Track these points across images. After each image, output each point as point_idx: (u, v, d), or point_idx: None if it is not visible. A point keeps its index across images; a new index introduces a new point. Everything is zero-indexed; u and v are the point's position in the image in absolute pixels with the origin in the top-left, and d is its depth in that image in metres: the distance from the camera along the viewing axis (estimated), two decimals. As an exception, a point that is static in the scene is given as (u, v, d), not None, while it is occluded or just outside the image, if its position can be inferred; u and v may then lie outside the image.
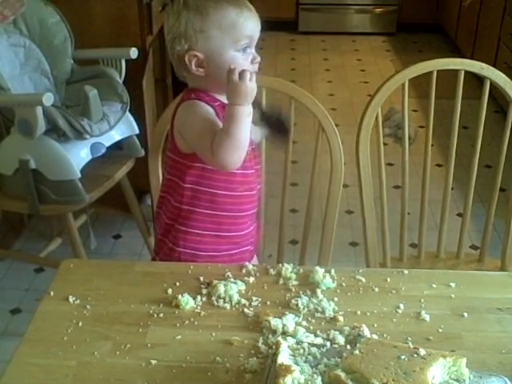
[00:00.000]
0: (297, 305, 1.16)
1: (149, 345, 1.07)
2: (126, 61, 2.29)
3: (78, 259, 2.08)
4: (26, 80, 2.21)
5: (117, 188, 2.31)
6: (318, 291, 1.20)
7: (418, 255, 1.78)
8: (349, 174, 1.77)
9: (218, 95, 1.35)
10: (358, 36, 5.47)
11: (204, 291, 1.20)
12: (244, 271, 1.27)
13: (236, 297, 1.18)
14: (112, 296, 1.19)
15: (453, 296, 1.20)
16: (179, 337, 1.09)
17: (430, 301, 1.19)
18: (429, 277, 1.26)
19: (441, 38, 5.33)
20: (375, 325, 1.12)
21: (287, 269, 1.26)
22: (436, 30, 5.40)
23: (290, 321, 1.11)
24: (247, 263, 1.30)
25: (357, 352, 0.95)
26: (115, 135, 2.22)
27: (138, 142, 2.33)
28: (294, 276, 1.25)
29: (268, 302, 1.18)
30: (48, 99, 1.92)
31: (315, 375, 0.94)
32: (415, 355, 0.94)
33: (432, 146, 1.71)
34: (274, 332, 1.09)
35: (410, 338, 1.09)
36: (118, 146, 2.27)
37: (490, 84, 1.62)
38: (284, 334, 1.08)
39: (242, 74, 1.25)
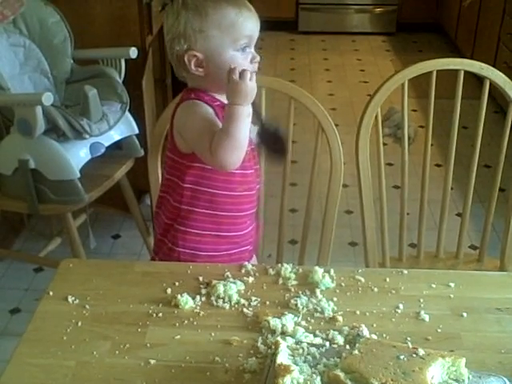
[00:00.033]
0: (296, 305, 1.16)
1: (148, 345, 1.07)
2: (126, 61, 2.29)
3: (78, 259, 2.08)
4: (25, 80, 2.21)
5: (116, 188, 2.31)
6: (318, 291, 1.20)
7: (418, 255, 1.78)
8: (348, 174, 1.77)
9: (217, 95, 1.35)
10: (358, 36, 5.47)
11: (203, 291, 1.20)
12: (243, 271, 1.27)
13: (235, 297, 1.18)
14: (111, 296, 1.19)
15: (452, 296, 1.20)
16: (178, 337, 1.09)
17: (430, 301, 1.19)
18: (428, 277, 1.26)
19: (440, 37, 5.33)
20: (374, 325, 1.12)
21: (286, 269, 1.26)
22: (436, 30, 5.40)
23: (289, 321, 1.11)
24: (246, 263, 1.30)
25: (356, 352, 0.95)
26: (115, 135, 2.22)
27: (137, 142, 2.33)
28: (293, 276, 1.25)
29: (267, 302, 1.18)
30: (47, 99, 1.92)
31: (314, 375, 0.94)
32: (414, 355, 0.94)
33: (431, 145, 1.71)
34: (273, 332, 1.09)
35: (409, 338, 1.09)
36: (117, 145, 2.27)
37: (490, 84, 1.62)
38: (283, 333, 1.08)
39: (242, 73, 1.25)
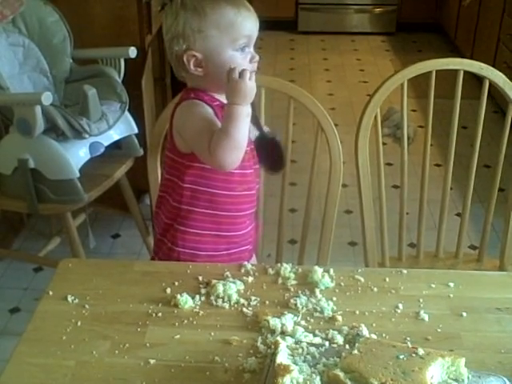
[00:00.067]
0: (295, 304, 1.16)
1: (147, 344, 1.07)
2: (125, 60, 2.28)
3: (77, 259, 2.08)
4: (24, 79, 2.21)
5: (116, 187, 2.31)
6: (317, 291, 1.20)
7: (417, 255, 1.78)
8: (348, 174, 1.77)
9: (217, 95, 1.35)
10: (358, 36, 5.47)
11: (203, 291, 1.20)
12: (243, 271, 1.27)
13: (235, 296, 1.18)
14: (111, 295, 1.19)
15: (452, 296, 1.20)
16: (178, 336, 1.09)
17: (429, 300, 1.19)
18: (428, 276, 1.26)
19: (440, 37, 5.34)
20: (374, 324, 1.12)
21: (286, 268, 1.26)
22: (435, 30, 5.40)
23: (288, 320, 1.11)
24: (246, 263, 1.30)
25: (355, 352, 0.95)
26: (114, 135, 2.22)
27: (136, 142, 2.32)
28: (292, 276, 1.25)
29: (267, 302, 1.18)
30: (47, 98, 1.92)
31: (314, 375, 0.94)
32: (414, 355, 0.94)
33: (431, 145, 1.71)
34: (273, 332, 1.09)
35: (408, 338, 1.09)
36: (116, 145, 2.27)
37: (489, 84, 1.62)
38: (283, 333, 1.08)
39: (241, 73, 1.25)
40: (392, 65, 4.82)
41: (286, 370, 0.92)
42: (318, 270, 1.24)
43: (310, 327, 1.11)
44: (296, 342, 1.03)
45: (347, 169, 1.67)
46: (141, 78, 2.41)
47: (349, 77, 4.66)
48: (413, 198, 1.73)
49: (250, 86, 1.26)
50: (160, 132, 1.56)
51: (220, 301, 1.17)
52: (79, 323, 1.11)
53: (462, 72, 1.63)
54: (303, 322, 1.12)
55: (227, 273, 1.25)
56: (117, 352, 1.05)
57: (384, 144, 1.89)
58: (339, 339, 1.07)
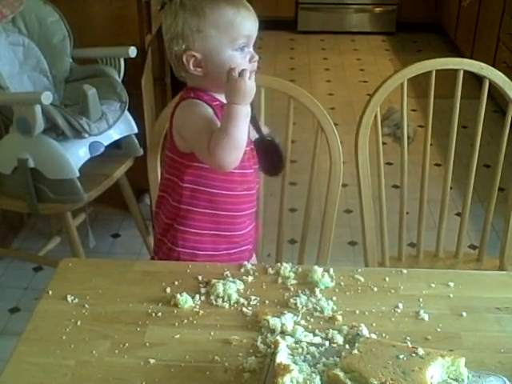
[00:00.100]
0: (295, 304, 1.16)
1: (147, 344, 1.07)
2: (125, 60, 2.28)
3: (77, 258, 2.08)
4: (24, 79, 2.21)
5: (115, 187, 2.31)
6: (317, 290, 1.20)
7: (417, 255, 1.78)
8: (348, 174, 1.77)
9: (217, 95, 1.35)
10: (358, 35, 5.47)
11: (203, 290, 1.20)
12: (243, 270, 1.27)
13: (235, 296, 1.18)
14: (111, 295, 1.19)
15: (451, 295, 1.20)
16: (178, 336, 1.09)
17: (429, 300, 1.19)
18: (427, 276, 1.26)
19: (440, 37, 5.33)
20: (374, 324, 1.12)
21: (286, 268, 1.26)
22: (435, 30, 5.40)
23: (288, 320, 1.11)
24: (246, 262, 1.30)
25: (355, 351, 0.95)
26: (114, 134, 2.22)
27: (136, 141, 2.32)
28: (292, 275, 1.25)
29: (267, 302, 1.18)
30: (47, 98, 1.92)
31: (314, 374, 0.94)
32: (414, 355, 0.94)
33: (431, 145, 1.71)
34: (273, 331, 1.09)
35: (408, 338, 1.09)
36: (116, 145, 2.27)
37: (489, 84, 1.62)
38: (283, 333, 1.08)
39: (241, 72, 1.25)
40: (392, 64, 4.82)
41: (285, 369, 0.92)
42: (318, 270, 1.24)
43: (309, 327, 1.11)
44: (296, 342, 1.03)
45: (347, 168, 1.67)
46: (141, 77, 2.41)
47: (349, 76, 4.66)
48: (413, 198, 1.73)
49: (249, 85, 1.26)
50: (160, 132, 1.56)
51: (220, 300, 1.17)
52: (79, 323, 1.11)
53: (461, 72, 1.63)
54: (303, 322, 1.12)
55: (227, 272, 1.25)
56: (117, 352, 1.05)
57: (384, 143, 1.89)
58: (339, 339, 1.07)
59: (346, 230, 2.78)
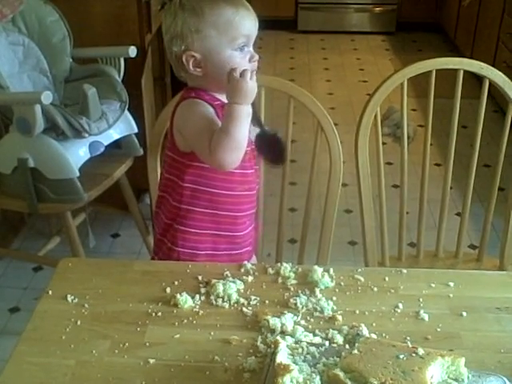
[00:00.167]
0: (295, 304, 1.16)
1: (147, 344, 1.07)
2: (125, 59, 2.28)
3: (77, 258, 2.08)
4: (24, 78, 2.20)
5: (115, 187, 2.31)
6: (317, 290, 1.20)
7: (417, 254, 1.78)
8: (348, 173, 1.77)
9: (217, 94, 1.35)
10: (357, 35, 5.47)
11: (203, 290, 1.20)
12: (243, 270, 1.27)
13: (235, 296, 1.18)
14: (110, 295, 1.19)
15: (451, 295, 1.20)
16: (178, 336, 1.09)
17: (429, 300, 1.19)
18: (427, 276, 1.26)
19: (440, 37, 5.33)
20: (374, 324, 1.12)
21: (286, 268, 1.26)
22: (435, 30, 5.40)
23: (288, 320, 1.11)
24: (246, 262, 1.30)
25: (355, 351, 0.95)
26: (114, 134, 2.22)
27: (136, 141, 2.32)
28: (292, 275, 1.25)
29: (267, 301, 1.18)
30: (47, 98, 1.92)
31: (314, 374, 0.94)
32: (414, 354, 0.94)
33: (431, 145, 1.71)
34: (273, 331, 1.09)
35: (408, 338, 1.09)
36: (116, 144, 2.26)
37: (489, 83, 1.62)
38: (283, 333, 1.08)
39: (242, 72, 1.25)
40: (392, 64, 4.82)
41: (285, 369, 0.92)
42: (318, 270, 1.24)
43: (309, 327, 1.11)
44: (296, 342, 1.03)
45: (347, 168, 1.67)
46: (140, 77, 2.41)
47: (349, 76, 4.66)
48: (413, 198, 1.73)
49: (250, 85, 1.26)
50: (160, 131, 1.56)
51: (220, 300, 1.17)
52: (79, 322, 1.11)
53: (461, 71, 1.63)
54: (303, 322, 1.12)
55: (227, 272, 1.25)
56: (116, 351, 1.05)
57: (384, 143, 1.89)
58: (339, 339, 1.07)
59: (345, 229, 2.78)
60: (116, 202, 2.58)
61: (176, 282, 1.22)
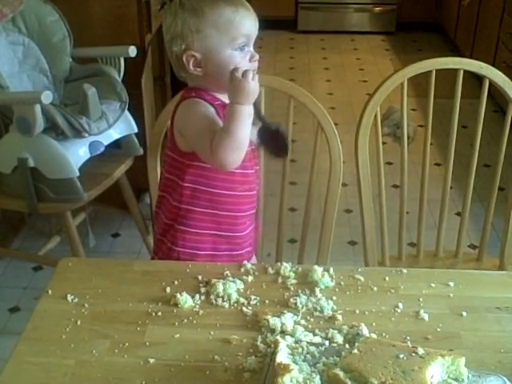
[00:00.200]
0: (295, 304, 1.16)
1: (147, 343, 1.07)
2: (125, 59, 2.28)
3: (77, 258, 2.08)
4: (24, 78, 2.20)
5: (115, 186, 2.31)
6: (317, 290, 1.20)
7: (417, 254, 1.78)
8: (348, 173, 1.77)
9: (218, 94, 1.35)
10: (357, 35, 5.47)
11: (202, 290, 1.20)
12: (243, 270, 1.27)
13: (235, 296, 1.18)
14: (110, 294, 1.19)
15: (451, 295, 1.20)
16: (178, 335, 1.09)
17: (429, 300, 1.19)
18: (427, 276, 1.26)
19: (440, 37, 5.34)
20: (374, 324, 1.12)
21: (286, 268, 1.26)
22: (435, 30, 5.40)
23: (288, 320, 1.11)
24: (246, 262, 1.30)
25: (355, 351, 0.95)
26: (114, 134, 2.22)
27: (136, 141, 2.32)
28: (292, 275, 1.25)
29: (267, 301, 1.18)
30: (46, 97, 1.92)
31: (314, 374, 0.94)
32: (414, 354, 0.94)
33: (431, 145, 1.71)
34: (273, 331, 1.09)
35: (408, 337, 1.09)
36: (116, 144, 2.27)
37: (489, 83, 1.62)
38: (282, 332, 1.08)
39: (244, 73, 1.25)
40: (392, 64, 4.82)
41: (285, 369, 0.92)
42: (318, 270, 1.24)
43: (309, 326, 1.11)
44: (296, 342, 1.03)
45: (347, 168, 1.67)
46: (140, 77, 2.41)
47: (349, 76, 4.66)
48: (413, 198, 1.73)
49: (252, 86, 1.26)
50: (160, 131, 1.56)
51: (220, 300, 1.17)
52: (79, 322, 1.11)
53: (461, 71, 1.63)
54: (303, 322, 1.12)
55: (227, 272, 1.25)
56: (116, 351, 1.05)
57: (384, 143, 1.89)
58: (339, 338, 1.07)
59: (345, 229, 2.78)
60: (116, 202, 2.58)
61: (176, 282, 1.22)
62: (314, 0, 5.41)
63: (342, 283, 1.23)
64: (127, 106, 2.23)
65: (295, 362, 0.96)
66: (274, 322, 1.10)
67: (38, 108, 1.95)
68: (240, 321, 1.13)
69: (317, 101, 1.57)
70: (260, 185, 1.55)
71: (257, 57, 1.33)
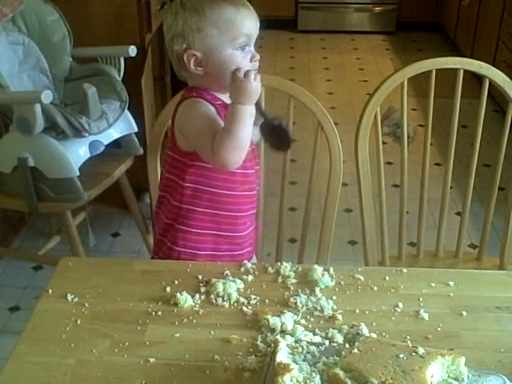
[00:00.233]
0: (295, 303, 1.16)
1: (147, 343, 1.07)
2: (125, 59, 2.28)
3: (77, 257, 2.08)
4: (24, 78, 2.20)
5: (115, 186, 2.31)
6: (317, 290, 1.20)
7: (417, 254, 1.78)
8: (348, 173, 1.77)
9: (219, 94, 1.35)
10: (358, 35, 5.47)
11: (203, 289, 1.20)
12: (243, 269, 1.27)
13: (235, 295, 1.18)
14: (110, 294, 1.19)
15: (451, 295, 1.20)
16: (178, 335, 1.09)
17: (429, 299, 1.19)
18: (427, 275, 1.26)
19: (440, 36, 5.33)
20: (374, 323, 1.12)
21: (286, 267, 1.26)
22: (435, 29, 5.40)
23: (288, 319, 1.11)
24: (246, 262, 1.30)
25: (355, 350, 0.95)
26: (114, 133, 2.22)
27: (136, 140, 2.32)
28: (292, 274, 1.25)
29: (267, 301, 1.18)
30: (47, 97, 1.92)
31: (314, 373, 0.94)
32: (414, 354, 0.94)
33: (431, 144, 1.71)
34: (273, 330, 1.09)
35: (408, 337, 1.09)
36: (116, 144, 2.27)
37: (489, 83, 1.62)
38: (283, 332, 1.08)
39: (246, 73, 1.25)
40: (392, 64, 4.82)
41: (285, 368, 0.92)
42: (318, 269, 1.24)
43: (309, 326, 1.11)
44: (296, 341, 1.03)
45: (347, 168, 1.67)
46: (141, 76, 2.41)
47: (349, 76, 4.66)
48: (413, 197, 1.73)
49: (254, 86, 1.26)
50: (160, 131, 1.56)
51: (220, 299, 1.17)
52: (79, 322, 1.11)
53: (461, 71, 1.63)
54: (303, 321, 1.12)
55: (227, 271, 1.25)
56: (116, 350, 1.05)
57: (384, 143, 1.89)
58: (339, 338, 1.07)
59: (346, 229, 2.78)
60: (116, 202, 2.58)
61: (176, 281, 1.22)
62: (314, 0, 5.41)
63: (342, 283, 1.23)
64: (127, 106, 2.23)
65: (295, 362, 0.96)
66: (274, 321, 1.10)
67: (38, 107, 1.95)
68: (240, 320, 1.13)
69: (317, 100, 1.57)
70: (260, 185, 1.55)
71: (258, 57, 1.33)
